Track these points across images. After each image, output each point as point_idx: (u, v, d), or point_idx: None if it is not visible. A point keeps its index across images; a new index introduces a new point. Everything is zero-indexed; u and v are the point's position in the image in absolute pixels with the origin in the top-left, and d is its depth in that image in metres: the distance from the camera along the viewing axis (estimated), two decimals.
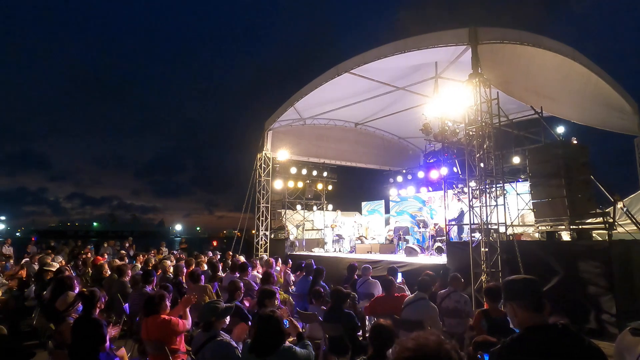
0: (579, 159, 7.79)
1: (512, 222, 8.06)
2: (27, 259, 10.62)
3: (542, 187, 7.96)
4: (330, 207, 17.21)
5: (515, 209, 8.84)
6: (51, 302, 5.00)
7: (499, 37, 7.99)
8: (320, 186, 16.78)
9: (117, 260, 9.67)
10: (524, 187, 9.81)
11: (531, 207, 8.27)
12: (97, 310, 4.03)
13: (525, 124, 10.25)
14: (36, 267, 9.29)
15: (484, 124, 7.61)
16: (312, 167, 16.07)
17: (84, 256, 11.33)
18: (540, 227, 8.23)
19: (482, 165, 7.69)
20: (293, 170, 15.48)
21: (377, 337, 2.91)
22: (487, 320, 4.17)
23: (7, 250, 13.96)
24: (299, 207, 16.50)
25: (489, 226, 7.45)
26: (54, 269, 7.70)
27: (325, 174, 16.54)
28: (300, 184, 16.16)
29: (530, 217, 8.95)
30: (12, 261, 11.58)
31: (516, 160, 11.07)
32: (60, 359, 3.56)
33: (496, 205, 7.54)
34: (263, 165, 14.23)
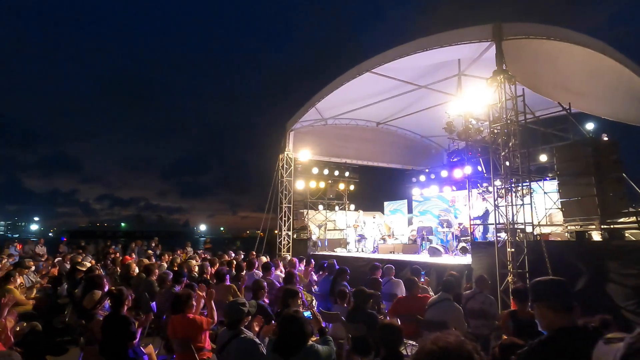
0: (609, 156, 7.53)
1: (539, 222, 7.86)
2: (60, 258, 11.00)
3: (571, 185, 7.73)
4: (352, 207, 17.17)
5: (542, 208, 8.62)
6: (82, 300, 5.18)
7: (524, 32, 7.79)
8: (342, 186, 16.77)
9: (144, 260, 9.91)
10: (551, 185, 9.56)
11: (559, 207, 8.05)
12: (125, 308, 4.15)
13: (552, 120, 9.98)
14: (68, 266, 9.63)
15: (509, 121, 7.44)
16: (333, 167, 16.07)
17: (112, 255, 11.67)
18: (569, 227, 7.99)
19: (507, 163, 7.52)
20: (315, 170, 15.53)
21: (386, 337, 2.90)
22: (514, 320, 4.09)
23: (41, 249, 14.49)
24: (321, 207, 16.53)
25: (515, 226, 7.28)
26: (84, 268, 7.97)
27: (347, 174, 16.53)
28: (322, 184, 16.19)
29: (558, 217, 8.71)
30: (44, 260, 12.00)
31: (543, 158, 10.80)
32: (92, 355, 3.68)
33: (522, 204, 7.36)
34: (285, 165, 14.31)
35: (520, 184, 7.48)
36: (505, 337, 4.24)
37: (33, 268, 8.66)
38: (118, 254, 12.53)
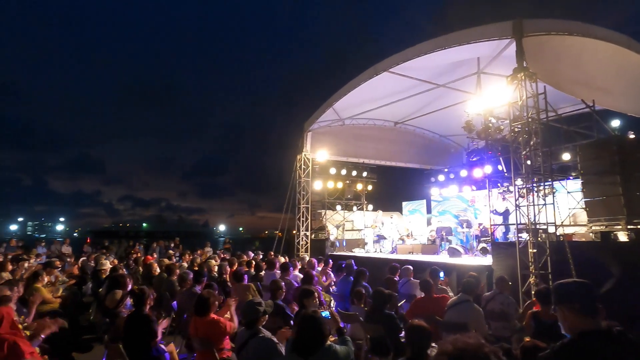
0: (636, 154, 7.32)
1: (562, 222, 7.69)
2: (84, 258, 11.30)
3: (596, 184, 7.54)
4: (370, 207, 17.11)
5: (565, 208, 8.42)
6: (106, 298, 5.32)
7: (545, 29, 7.63)
8: (359, 186, 16.73)
9: (165, 260, 10.09)
10: (575, 184, 9.32)
11: (583, 206, 7.85)
12: (147, 307, 4.24)
13: (575, 118, 9.73)
14: (92, 265, 9.89)
15: (530, 119, 7.30)
16: (351, 167, 16.05)
17: (134, 255, 11.92)
18: (593, 227, 7.80)
19: (529, 162, 7.38)
20: (332, 170, 15.53)
21: (414, 337, 2.87)
22: (536, 322, 4.01)
23: (66, 249, 14.91)
24: (338, 207, 16.53)
25: (537, 226, 7.14)
26: (107, 268, 8.17)
27: (364, 174, 16.48)
28: (339, 185, 16.19)
29: (582, 217, 8.50)
30: (70, 260, 12.34)
31: (566, 156, 10.54)
32: (115, 352, 3.78)
33: (545, 204, 7.21)
34: (303, 166, 14.36)
35: (542, 184, 7.33)
36: (527, 339, 4.17)
37: (60, 268, 8.90)
38: (140, 254, 12.80)
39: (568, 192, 8.53)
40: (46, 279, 6.97)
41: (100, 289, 6.87)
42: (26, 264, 9.12)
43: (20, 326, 3.83)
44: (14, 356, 3.14)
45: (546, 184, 7.38)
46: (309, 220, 14.52)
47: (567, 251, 6.68)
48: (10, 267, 8.16)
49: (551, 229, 7.26)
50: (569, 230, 8.70)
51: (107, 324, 4.77)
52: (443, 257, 11.13)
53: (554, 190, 7.54)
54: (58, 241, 16.20)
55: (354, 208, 16.97)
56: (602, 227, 7.53)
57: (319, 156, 14.52)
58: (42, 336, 3.79)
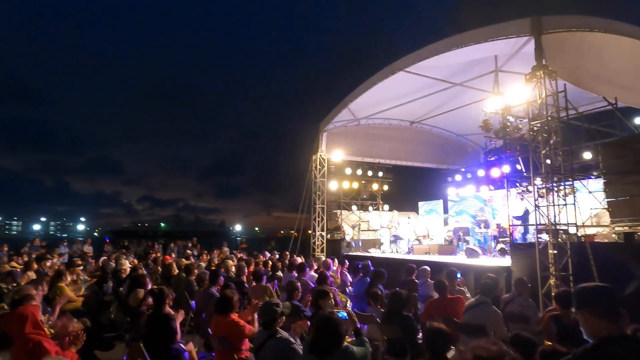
0: None
1: (583, 223, 7.53)
2: (105, 257, 11.53)
3: (619, 184, 7.36)
4: (386, 207, 17.03)
5: (587, 208, 8.24)
6: (128, 298, 5.43)
7: (565, 25, 7.47)
8: (375, 186, 16.67)
9: (183, 260, 10.23)
10: (597, 184, 9.12)
11: (606, 206, 7.67)
12: (167, 306, 4.31)
13: (597, 116, 9.52)
14: (112, 264, 10.09)
15: (549, 118, 7.17)
16: (367, 167, 16.00)
17: (153, 255, 12.11)
18: (616, 228, 7.60)
19: (548, 162, 7.25)
20: (348, 170, 15.52)
21: (433, 340, 2.85)
22: (557, 324, 3.93)
23: (88, 249, 15.24)
24: (354, 207, 16.50)
25: (558, 227, 7.01)
26: (127, 268, 8.33)
27: (380, 174, 16.41)
28: (355, 185, 16.16)
29: (605, 217, 8.30)
30: (91, 259, 12.62)
31: (587, 155, 10.31)
32: (136, 351, 3.85)
33: (565, 204, 7.07)
34: (318, 166, 14.39)
35: (562, 183, 7.19)
36: (548, 342, 4.10)
37: (82, 267, 9.10)
38: (159, 254, 13.01)
39: (589, 192, 8.34)
40: (69, 278, 7.13)
41: (121, 288, 7.01)
42: (49, 263, 9.35)
43: (45, 325, 3.94)
44: (39, 355, 3.22)
45: (566, 183, 7.23)
46: (325, 220, 14.53)
47: (588, 252, 6.54)
48: (35, 266, 8.39)
49: (572, 230, 7.12)
50: (590, 231, 8.51)
51: (127, 322, 4.87)
52: (460, 258, 11.01)
53: (575, 190, 7.38)
54: (79, 241, 16.56)
55: (370, 208, 16.91)
56: (625, 227, 7.33)
57: (334, 156, 14.52)
58: (67, 337, 3.89)
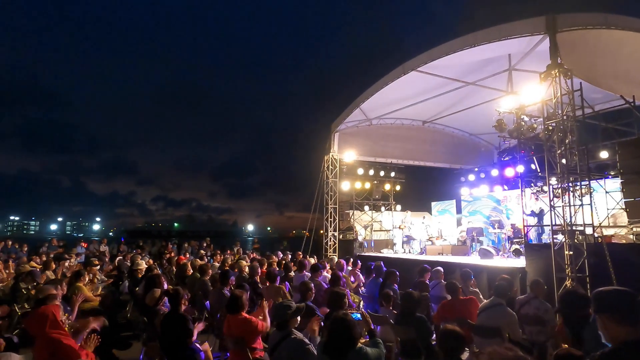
0: None
1: (600, 223, 7.41)
2: (120, 257, 11.72)
3: (637, 184, 7.23)
4: (398, 207, 16.95)
5: (604, 208, 8.11)
6: (144, 297, 5.51)
7: (581, 23, 7.36)
8: (387, 186, 16.59)
9: (197, 260, 10.34)
10: (614, 184, 8.97)
11: (623, 207, 7.54)
12: (183, 306, 4.37)
13: (614, 115, 9.36)
14: (128, 264, 10.25)
15: (565, 117, 7.07)
16: (379, 167, 15.94)
17: (168, 255, 12.26)
18: (634, 229, 7.47)
19: (564, 161, 7.15)
20: (360, 171, 15.48)
21: (446, 342, 2.84)
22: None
23: (104, 248, 15.50)
24: (366, 207, 16.45)
25: (574, 227, 6.91)
26: (143, 267, 8.46)
27: (392, 174, 16.32)
28: (367, 185, 16.11)
29: (622, 218, 8.17)
30: (107, 259, 12.82)
31: (604, 155, 10.13)
32: (153, 350, 3.92)
33: (581, 204, 6.96)
34: (330, 166, 14.40)
35: (578, 183, 7.09)
36: (565, 345, 4.05)
37: (98, 267, 9.26)
38: (173, 254, 13.16)
39: (606, 192, 8.21)
40: (86, 278, 7.27)
41: (137, 288, 7.11)
42: (66, 263, 9.54)
43: (65, 325, 4.03)
44: (59, 352, 3.30)
45: (583, 183, 7.13)
46: (337, 220, 14.54)
47: (606, 253, 6.44)
48: (53, 265, 8.56)
49: (588, 230, 7.01)
50: (608, 231, 8.37)
51: (144, 322, 4.95)
52: (474, 259, 10.92)
53: (592, 190, 7.27)
54: (96, 240, 16.84)
55: (382, 208, 16.84)
56: None
57: (346, 157, 14.52)
58: (85, 333, 3.97)
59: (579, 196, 7.04)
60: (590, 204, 7.05)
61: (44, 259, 11.07)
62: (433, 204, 17.71)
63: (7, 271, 8.81)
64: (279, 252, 12.60)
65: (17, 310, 6.02)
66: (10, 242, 14.84)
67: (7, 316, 5.89)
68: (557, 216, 7.10)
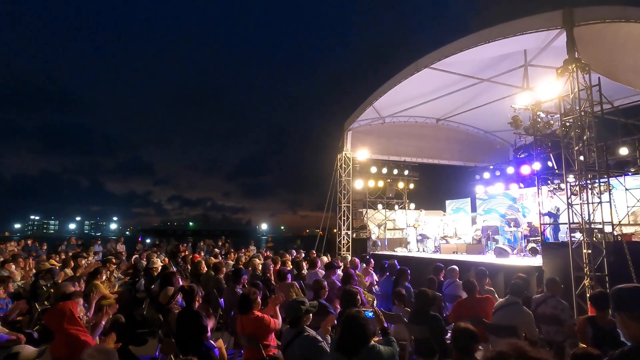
0: None
1: (619, 221, 7.24)
2: (137, 256, 11.90)
3: None
4: (412, 206, 16.82)
5: (623, 206, 7.92)
6: (159, 295, 5.59)
7: (599, 16, 7.18)
8: (401, 185, 16.47)
9: (212, 258, 10.44)
10: (634, 181, 8.76)
11: None
12: (197, 304, 4.41)
13: (634, 110, 9.14)
14: (144, 263, 10.40)
15: (582, 113, 6.93)
16: (392, 165, 15.83)
17: (183, 254, 12.40)
18: None
19: (582, 158, 7.01)
20: (373, 169, 15.39)
21: (460, 340, 2.81)
22: (593, 327, 3.80)
23: (120, 247, 15.75)
24: (380, 206, 16.38)
25: (592, 225, 6.76)
26: (159, 266, 8.58)
27: (406, 172, 16.20)
28: (380, 183, 16.03)
29: None
30: (124, 257, 13.03)
31: (624, 151, 9.89)
32: (169, 347, 3.97)
33: (600, 202, 6.82)
34: (343, 165, 14.38)
35: (597, 180, 6.94)
36: (583, 344, 3.97)
37: (116, 266, 9.41)
38: (188, 252, 13.31)
39: (626, 189, 8.03)
40: (103, 276, 7.39)
41: (153, 286, 7.22)
42: (84, 261, 9.72)
43: (82, 321, 4.11)
44: (77, 348, 3.36)
45: (601, 180, 6.98)
46: (350, 219, 14.51)
47: (625, 252, 6.29)
48: (72, 264, 8.74)
49: (608, 229, 6.86)
50: (627, 229, 8.17)
51: (159, 319, 5.01)
52: (489, 257, 10.79)
53: (611, 187, 7.11)
54: (113, 239, 17.12)
55: (396, 207, 16.73)
56: None
57: (359, 155, 14.48)
58: (103, 323, 4.06)
59: (597, 194, 6.89)
60: (610, 202, 6.90)
61: (63, 257, 11.32)
62: (447, 202, 17.54)
63: (27, 269, 9.02)
64: (293, 251, 12.63)
65: (38, 307, 6.16)
66: (30, 241, 15.22)
67: (27, 313, 6.04)
68: (575, 214, 6.97)
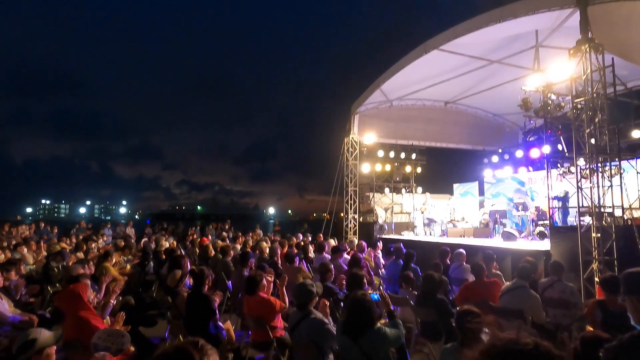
0: None
1: (630, 205, 7.15)
2: (146, 239, 12.05)
3: None
4: (419, 189, 16.76)
5: (634, 189, 7.81)
6: (168, 278, 5.66)
7: None
8: (408, 169, 16.38)
9: (219, 241, 10.53)
10: None
11: None
12: (206, 287, 4.46)
13: None
14: (153, 246, 10.53)
15: (595, 95, 6.78)
16: (400, 149, 15.72)
17: (191, 237, 12.53)
18: None
19: (593, 141, 6.89)
20: (380, 153, 15.30)
21: (464, 322, 2.80)
22: (602, 311, 3.77)
23: (130, 231, 15.95)
24: (387, 190, 16.33)
25: (602, 209, 6.69)
26: (163, 249, 8.67)
27: (413, 156, 16.08)
28: (388, 167, 15.94)
29: None
30: (133, 241, 13.19)
31: (636, 134, 9.69)
32: (177, 329, 4.03)
33: (610, 185, 6.73)
34: (350, 149, 14.32)
35: (608, 163, 6.83)
36: (590, 328, 3.96)
37: (125, 250, 9.50)
38: (196, 236, 13.44)
39: (638, 173, 7.90)
40: (114, 259, 7.50)
41: (161, 269, 7.31)
42: (93, 245, 9.86)
43: (92, 303, 4.18)
44: (88, 332, 3.40)
45: (612, 163, 6.87)
46: (357, 203, 14.51)
47: (635, 236, 6.23)
48: (84, 247, 8.87)
49: (618, 212, 6.78)
50: (638, 213, 8.07)
51: (168, 302, 5.09)
52: (496, 241, 10.76)
53: (622, 171, 7.00)
54: (122, 223, 17.32)
55: (403, 191, 16.67)
56: None
57: (366, 139, 14.38)
58: (112, 302, 4.12)
59: (608, 177, 6.79)
60: (621, 185, 6.81)
61: (74, 240, 11.49)
62: (455, 186, 17.44)
63: (39, 252, 9.17)
64: (300, 235, 12.70)
65: (49, 289, 6.27)
66: (42, 224, 15.46)
67: (39, 294, 6.15)
68: (585, 198, 6.89)
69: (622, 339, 1.73)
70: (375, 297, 3.73)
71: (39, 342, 2.41)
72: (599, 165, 6.77)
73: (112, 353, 2.87)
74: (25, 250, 8.57)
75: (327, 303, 4.12)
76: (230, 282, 6.47)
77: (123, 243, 9.82)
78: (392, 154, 15.55)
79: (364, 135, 14.33)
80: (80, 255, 8.19)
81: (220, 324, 4.42)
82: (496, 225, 12.34)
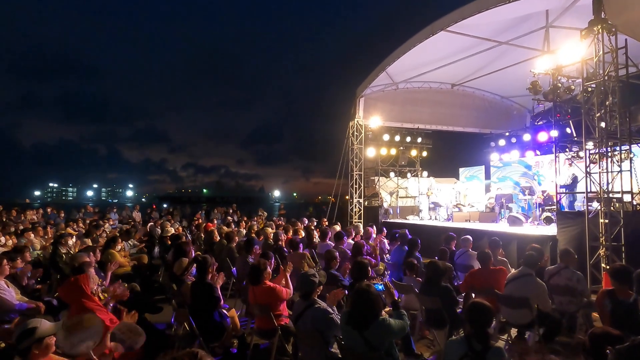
0: None
1: None
2: (152, 224, 12.11)
3: None
4: (425, 173, 16.66)
5: None
6: (173, 265, 5.68)
7: None
8: (414, 152, 16.25)
9: (224, 227, 10.56)
10: None
11: None
12: (210, 275, 4.46)
13: None
14: (159, 230, 10.59)
15: (606, 77, 6.61)
16: (405, 133, 15.55)
17: (196, 222, 12.59)
18: None
19: (603, 125, 6.75)
20: (386, 137, 15.16)
21: (476, 317, 2.77)
22: (611, 301, 3.72)
23: (136, 215, 16.05)
24: (392, 174, 16.25)
25: (611, 194, 6.59)
26: (169, 235, 8.71)
27: (419, 139, 15.93)
28: (393, 151, 15.82)
29: None
30: (139, 225, 13.29)
31: None
32: (182, 316, 4.06)
33: (620, 170, 6.61)
34: (355, 132, 14.20)
35: (617, 148, 6.70)
36: (597, 314, 3.92)
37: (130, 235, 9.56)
38: (201, 220, 13.50)
39: None
40: (119, 246, 7.54)
41: (167, 254, 7.35)
42: (100, 230, 9.92)
43: (98, 289, 4.20)
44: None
45: (623, 148, 6.74)
46: (362, 187, 14.47)
47: None
48: (94, 234, 8.92)
49: (627, 198, 6.69)
50: None
51: (174, 290, 5.11)
52: (502, 226, 10.72)
53: (632, 155, 6.88)
54: (128, 207, 17.42)
55: (408, 175, 16.57)
56: None
57: (372, 122, 14.24)
58: (112, 304, 4.14)
59: (617, 162, 6.68)
60: (630, 170, 6.70)
61: (80, 225, 11.58)
62: (461, 169, 17.31)
63: (47, 237, 9.25)
64: (305, 219, 12.71)
65: (57, 275, 6.33)
66: (50, 209, 15.61)
67: (46, 280, 6.22)
68: (593, 183, 6.79)
69: (635, 341, 1.69)
70: (380, 287, 3.71)
71: (39, 332, 2.42)
72: (609, 149, 6.65)
73: (124, 347, 2.89)
74: (32, 235, 8.64)
75: (343, 293, 4.07)
76: (234, 269, 6.50)
77: (128, 226, 9.88)
78: (397, 138, 15.40)
79: (369, 118, 14.19)
80: (88, 241, 8.25)
81: (225, 312, 4.45)
82: (502, 210, 12.27)
